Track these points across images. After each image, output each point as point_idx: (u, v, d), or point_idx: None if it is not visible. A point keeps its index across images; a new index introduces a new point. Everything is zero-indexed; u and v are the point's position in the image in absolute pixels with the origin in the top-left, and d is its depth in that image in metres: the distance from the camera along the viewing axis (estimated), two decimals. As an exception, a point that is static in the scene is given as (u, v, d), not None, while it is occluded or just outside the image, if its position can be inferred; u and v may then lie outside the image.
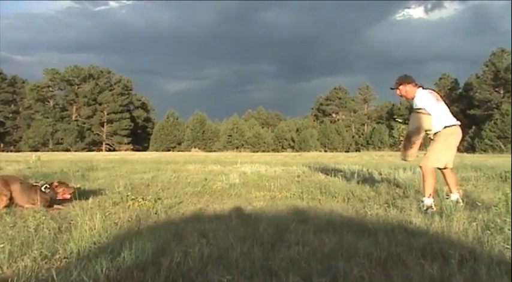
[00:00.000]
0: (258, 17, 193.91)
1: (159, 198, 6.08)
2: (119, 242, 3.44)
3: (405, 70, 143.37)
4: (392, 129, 71.45)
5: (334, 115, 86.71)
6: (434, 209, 5.33)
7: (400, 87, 6.07)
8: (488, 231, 3.82)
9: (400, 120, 70.93)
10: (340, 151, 65.50)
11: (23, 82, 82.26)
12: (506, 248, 3.34)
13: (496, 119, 56.28)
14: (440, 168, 5.96)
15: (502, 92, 64.23)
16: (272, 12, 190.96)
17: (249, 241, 3.59)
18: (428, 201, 5.49)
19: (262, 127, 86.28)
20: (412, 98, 5.95)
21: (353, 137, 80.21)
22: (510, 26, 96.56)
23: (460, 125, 5.97)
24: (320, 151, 65.17)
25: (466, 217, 4.39)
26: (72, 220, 4.47)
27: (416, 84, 6.02)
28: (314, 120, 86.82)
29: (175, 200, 6.18)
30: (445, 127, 5.82)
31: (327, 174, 9.79)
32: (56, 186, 5.98)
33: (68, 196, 5.96)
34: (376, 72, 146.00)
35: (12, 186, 5.77)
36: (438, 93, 6.15)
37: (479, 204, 5.27)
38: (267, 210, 5.45)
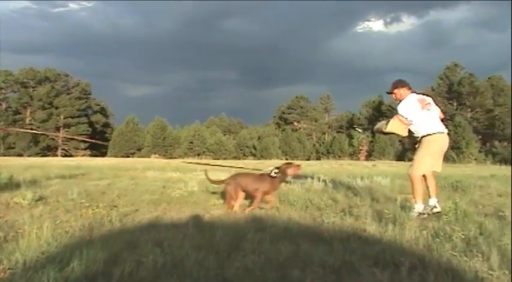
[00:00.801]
0: (220, 25, 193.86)
1: (114, 206, 5.92)
2: (68, 252, 3.31)
3: (364, 81, 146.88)
4: (352, 138, 72.62)
5: (295, 123, 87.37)
6: (426, 215, 5.51)
7: (395, 90, 6.26)
8: (437, 239, 3.92)
9: (359, 130, 72.34)
10: (302, 159, 66.03)
11: None
12: (454, 255, 3.43)
13: (450, 131, 57.93)
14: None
15: (455, 104, 66.61)
16: (235, 21, 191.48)
17: (204, 250, 3.56)
18: (419, 207, 5.71)
19: (224, 134, 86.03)
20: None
21: (314, 145, 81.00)
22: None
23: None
24: (281, 159, 65.47)
25: (417, 225, 4.52)
26: (19, 229, 4.28)
27: (410, 89, 6.21)
28: (276, 128, 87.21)
29: (131, 208, 6.05)
30: (427, 135, 5.95)
31: (287, 183, 9.83)
32: (285, 168, 6.34)
33: (299, 171, 6.47)
34: (337, 83, 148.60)
35: (243, 182, 6.26)
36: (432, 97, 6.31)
37: (431, 213, 5.40)
38: (225, 219, 5.41)
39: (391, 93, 6.32)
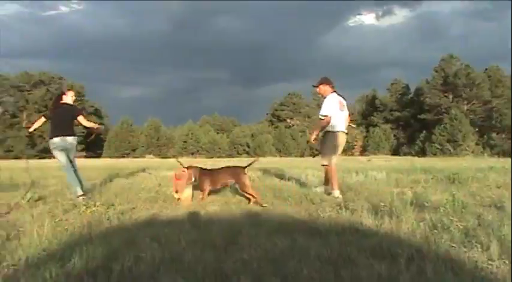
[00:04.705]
0: (210, 24, 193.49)
1: (112, 205, 5.96)
2: (69, 249, 3.41)
3: (358, 76, 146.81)
4: (346, 133, 72.92)
5: (288, 120, 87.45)
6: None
7: (320, 86, 7.43)
8: (435, 231, 3.97)
9: (353, 125, 72.37)
10: (296, 156, 66.21)
11: None
12: (452, 246, 3.47)
13: (446, 123, 58.41)
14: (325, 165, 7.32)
15: (451, 96, 66.56)
16: (223, 19, 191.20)
17: (201, 245, 3.64)
18: (336, 192, 6.94)
19: (218, 133, 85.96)
20: (325, 98, 7.28)
21: (308, 142, 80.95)
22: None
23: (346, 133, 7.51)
24: (275, 156, 65.62)
25: (414, 217, 4.57)
26: (21, 227, 4.35)
27: (333, 87, 7.39)
28: (269, 126, 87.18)
29: (128, 206, 6.09)
30: (333, 132, 7.22)
31: (282, 179, 9.90)
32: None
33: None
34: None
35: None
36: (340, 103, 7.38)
37: (428, 205, 5.49)
38: (221, 214, 5.48)
39: (316, 86, 7.46)
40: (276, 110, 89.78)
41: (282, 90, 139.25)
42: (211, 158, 65.14)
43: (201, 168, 6.92)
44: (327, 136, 7.31)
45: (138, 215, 5.46)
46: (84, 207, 5.54)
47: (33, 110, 76.27)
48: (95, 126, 8.21)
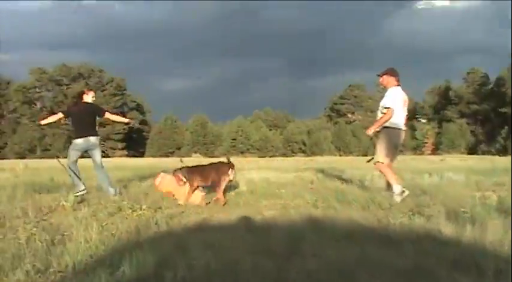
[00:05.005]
0: (263, 9, 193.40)
1: (159, 208, 6.12)
2: (117, 255, 3.49)
3: (428, 64, 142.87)
4: (415, 130, 71.26)
5: (349, 115, 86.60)
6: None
7: (384, 76, 7.41)
8: (528, 242, 3.78)
9: (423, 121, 70.75)
10: (357, 155, 65.32)
11: (8, 83, 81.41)
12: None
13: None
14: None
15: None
16: (278, 4, 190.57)
17: (259, 252, 3.63)
18: (396, 188, 6.80)
19: (270, 129, 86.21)
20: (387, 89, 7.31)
21: (371, 139, 79.70)
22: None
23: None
24: (335, 155, 65.11)
25: (501, 225, 4.40)
26: (65, 232, 4.51)
27: (398, 80, 7.34)
28: (327, 121, 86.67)
29: (176, 210, 6.23)
30: (393, 128, 7.13)
31: (343, 181, 9.79)
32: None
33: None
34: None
35: None
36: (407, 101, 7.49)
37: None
38: (279, 220, 5.47)
39: (380, 76, 7.45)
40: (336, 104, 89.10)
41: (342, 81, 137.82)
42: (263, 157, 65.31)
43: (187, 167, 7.38)
44: (387, 132, 7.18)
45: (187, 220, 5.56)
46: (130, 210, 5.70)
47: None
48: (126, 120, 8.58)
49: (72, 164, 8.06)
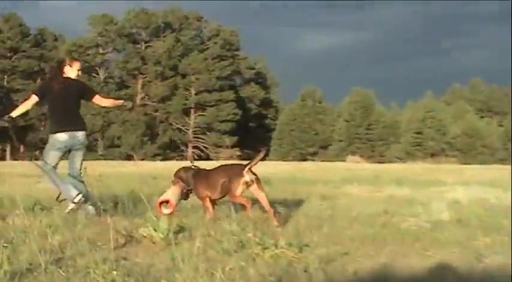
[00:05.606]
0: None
1: (305, 245, 5.01)
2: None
3: None
4: None
5: None
6: None
7: None
8: None
9: None
10: None
11: (56, 39, 69.97)
12: None
13: None
14: None
15: None
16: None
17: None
18: None
19: (481, 117, 73.41)
20: None
21: None
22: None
23: None
24: None
25: None
26: (160, 278, 3.73)
27: None
28: None
29: (335, 249, 5.10)
30: None
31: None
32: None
33: None
34: None
35: None
36: None
37: None
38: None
39: None
40: None
41: None
42: (468, 163, 53.33)
43: (193, 168, 6.92)
44: None
45: (355, 266, 4.45)
46: (259, 246, 4.65)
47: (153, 75, 65.78)
48: (119, 102, 7.81)
49: (52, 170, 6.97)
